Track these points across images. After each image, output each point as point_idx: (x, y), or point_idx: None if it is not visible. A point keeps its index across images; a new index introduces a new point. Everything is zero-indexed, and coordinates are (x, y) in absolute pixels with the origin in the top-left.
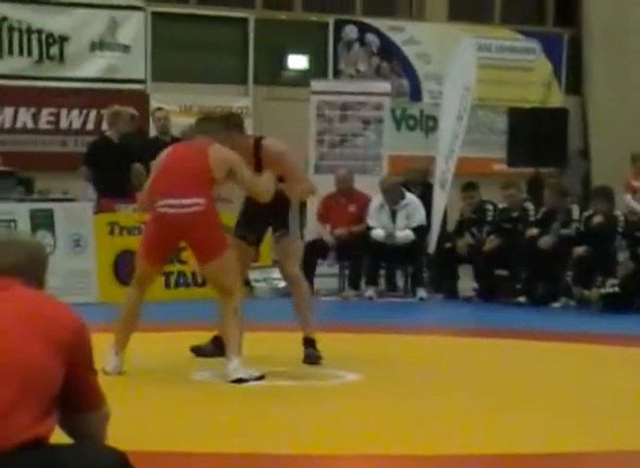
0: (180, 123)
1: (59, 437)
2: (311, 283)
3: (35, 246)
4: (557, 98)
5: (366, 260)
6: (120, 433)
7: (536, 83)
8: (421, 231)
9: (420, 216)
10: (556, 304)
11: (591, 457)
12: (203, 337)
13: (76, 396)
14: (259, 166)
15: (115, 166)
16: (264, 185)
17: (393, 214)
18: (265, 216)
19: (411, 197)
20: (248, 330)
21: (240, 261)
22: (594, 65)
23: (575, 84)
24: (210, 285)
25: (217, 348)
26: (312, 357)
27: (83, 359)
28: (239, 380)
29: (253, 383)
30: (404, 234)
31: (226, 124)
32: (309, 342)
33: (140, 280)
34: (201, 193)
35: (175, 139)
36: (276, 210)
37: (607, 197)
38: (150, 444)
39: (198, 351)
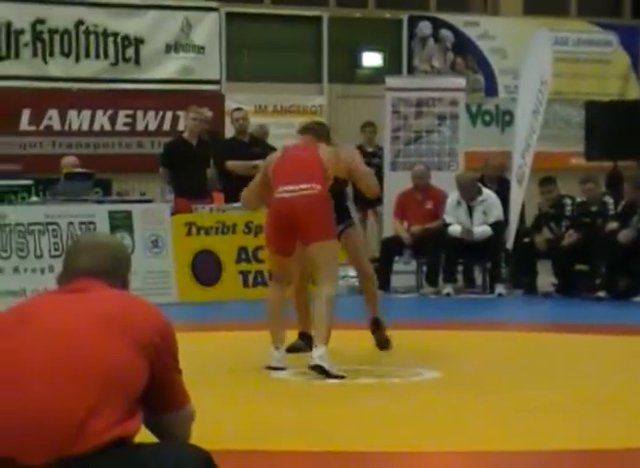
0: (255, 122)
1: (145, 437)
2: (388, 280)
3: (117, 246)
4: (635, 91)
5: (443, 257)
6: (203, 432)
7: (613, 76)
8: (499, 227)
9: (497, 212)
10: (637, 298)
11: None
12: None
13: (161, 396)
14: None
15: (192, 166)
16: (375, 180)
17: (470, 210)
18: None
19: (488, 192)
20: None
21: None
22: None
23: None
24: (310, 271)
25: (306, 343)
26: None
27: (168, 358)
28: (320, 368)
29: (332, 380)
30: (481, 230)
31: (327, 132)
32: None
33: (277, 275)
34: (318, 181)
35: (253, 139)
36: (336, 203)
37: None
38: (232, 443)
39: (292, 349)
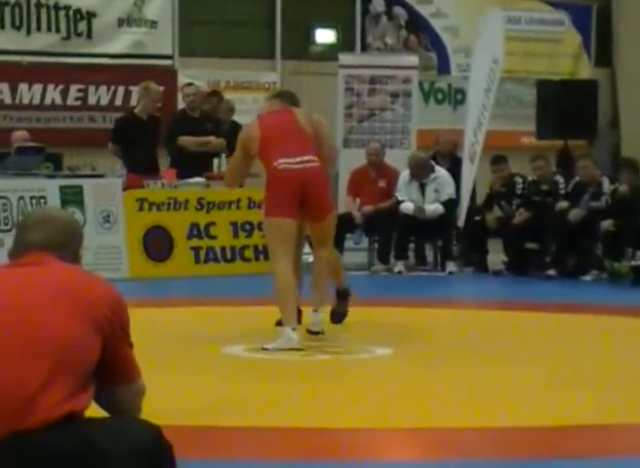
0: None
1: (95, 412)
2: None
3: (69, 220)
4: (586, 70)
5: (395, 234)
6: (153, 407)
7: (565, 55)
8: (451, 205)
9: (449, 190)
10: (587, 277)
11: (615, 429)
12: (231, 312)
13: (112, 369)
14: None
15: (144, 142)
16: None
17: (422, 188)
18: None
19: (440, 170)
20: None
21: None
22: (624, 36)
23: (604, 56)
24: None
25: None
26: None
27: (119, 332)
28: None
29: (285, 356)
30: (433, 207)
31: (297, 99)
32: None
33: (285, 248)
34: (313, 152)
35: (204, 115)
36: None
37: (633, 168)
38: (183, 418)
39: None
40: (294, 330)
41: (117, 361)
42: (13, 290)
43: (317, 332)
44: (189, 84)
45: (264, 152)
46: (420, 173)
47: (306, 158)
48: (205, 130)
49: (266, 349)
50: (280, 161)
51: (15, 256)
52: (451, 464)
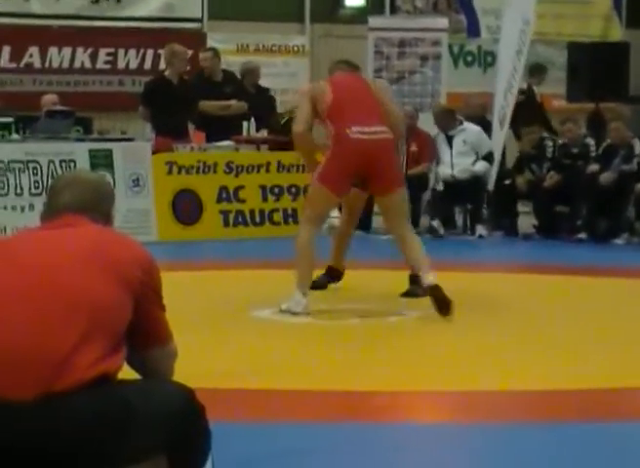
0: (236, 61)
1: (128, 374)
2: (370, 220)
3: (100, 182)
4: (617, 32)
5: (429, 197)
6: (185, 370)
7: (596, 16)
8: (491, 158)
9: (487, 143)
10: (618, 241)
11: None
12: (260, 275)
13: (144, 331)
14: None
15: (173, 105)
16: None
17: (449, 141)
18: None
19: (469, 124)
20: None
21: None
22: None
23: (636, 17)
24: (388, 219)
25: (329, 279)
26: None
27: (151, 294)
28: (438, 287)
29: (315, 320)
30: (482, 166)
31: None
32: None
33: (321, 216)
34: (385, 122)
35: (225, 79)
36: None
37: None
38: (214, 381)
39: (317, 286)
40: (304, 295)
41: (149, 323)
42: (45, 251)
43: (435, 287)
44: (207, 49)
45: (336, 115)
46: (445, 123)
47: (380, 128)
48: (224, 93)
49: (281, 310)
50: (354, 129)
51: (47, 219)
52: (477, 427)
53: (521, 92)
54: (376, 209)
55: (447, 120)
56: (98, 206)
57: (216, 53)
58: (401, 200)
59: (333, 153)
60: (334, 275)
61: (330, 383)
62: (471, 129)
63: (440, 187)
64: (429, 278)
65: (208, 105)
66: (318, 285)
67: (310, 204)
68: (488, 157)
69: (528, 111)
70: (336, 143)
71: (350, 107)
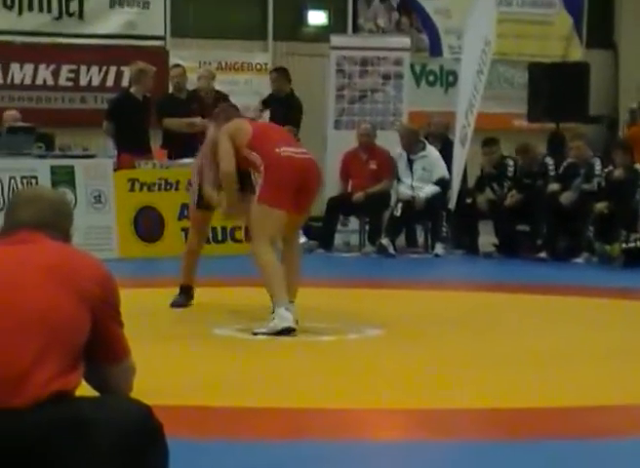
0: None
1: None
2: (332, 239)
3: (60, 199)
4: (577, 53)
5: (387, 215)
6: (144, 387)
7: (556, 37)
8: (443, 185)
9: (441, 170)
10: (578, 260)
11: (607, 410)
12: (222, 293)
13: (102, 347)
14: None
15: (138, 122)
16: None
17: (410, 165)
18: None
19: (431, 149)
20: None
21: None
22: (624, 17)
23: (597, 37)
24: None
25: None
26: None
27: (109, 309)
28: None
29: (275, 337)
30: (430, 189)
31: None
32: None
33: (273, 236)
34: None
35: (190, 96)
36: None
37: (627, 150)
38: (173, 398)
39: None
40: (287, 309)
41: (107, 339)
42: (3, 267)
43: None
44: (176, 65)
45: (260, 141)
46: (410, 143)
47: (305, 150)
48: (191, 110)
49: (256, 334)
50: (283, 149)
51: (4, 235)
52: (441, 445)
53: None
54: (339, 227)
55: (411, 141)
56: (56, 223)
57: (184, 69)
58: (302, 222)
59: (267, 175)
60: (189, 293)
61: (293, 401)
62: (432, 155)
63: (398, 210)
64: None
65: (171, 122)
66: (178, 304)
67: (258, 226)
68: (439, 182)
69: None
70: (269, 165)
71: (271, 133)
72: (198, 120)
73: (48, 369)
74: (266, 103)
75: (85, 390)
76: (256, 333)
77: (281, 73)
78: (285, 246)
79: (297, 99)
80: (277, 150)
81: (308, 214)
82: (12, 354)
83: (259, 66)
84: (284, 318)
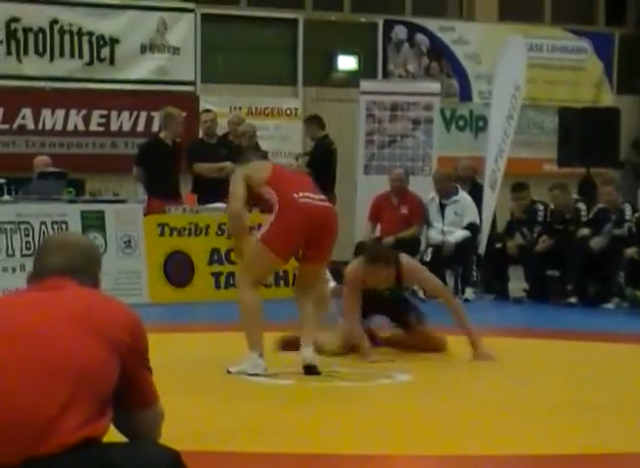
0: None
1: (114, 437)
2: None
3: (88, 244)
4: (608, 98)
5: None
6: (173, 432)
7: (587, 82)
8: (473, 230)
9: (472, 215)
10: (608, 305)
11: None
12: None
13: (131, 394)
14: None
15: (167, 167)
16: None
17: (442, 209)
18: None
19: (463, 195)
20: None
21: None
22: None
23: (627, 83)
24: (302, 285)
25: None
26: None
27: (138, 356)
28: (314, 368)
29: (304, 382)
30: (460, 234)
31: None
32: None
33: (262, 280)
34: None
35: (221, 141)
36: None
37: None
38: (202, 443)
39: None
40: (260, 356)
41: (136, 385)
42: (32, 314)
43: (311, 366)
44: (207, 111)
45: (279, 182)
46: (443, 186)
47: (324, 197)
48: (220, 155)
49: (230, 372)
50: (301, 194)
51: (34, 281)
52: None
53: None
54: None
55: (445, 185)
56: (85, 269)
57: (215, 115)
58: (322, 271)
59: (280, 216)
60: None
61: (318, 447)
62: (464, 200)
63: (428, 255)
64: (306, 353)
65: (202, 168)
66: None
67: (252, 266)
68: (469, 227)
69: None
70: (283, 207)
71: (290, 177)
72: (228, 164)
73: (76, 416)
74: (306, 153)
75: (114, 435)
76: (229, 372)
77: (312, 121)
78: (303, 297)
79: (324, 143)
80: (295, 195)
81: (328, 263)
82: (39, 402)
83: (289, 112)
84: (255, 365)
